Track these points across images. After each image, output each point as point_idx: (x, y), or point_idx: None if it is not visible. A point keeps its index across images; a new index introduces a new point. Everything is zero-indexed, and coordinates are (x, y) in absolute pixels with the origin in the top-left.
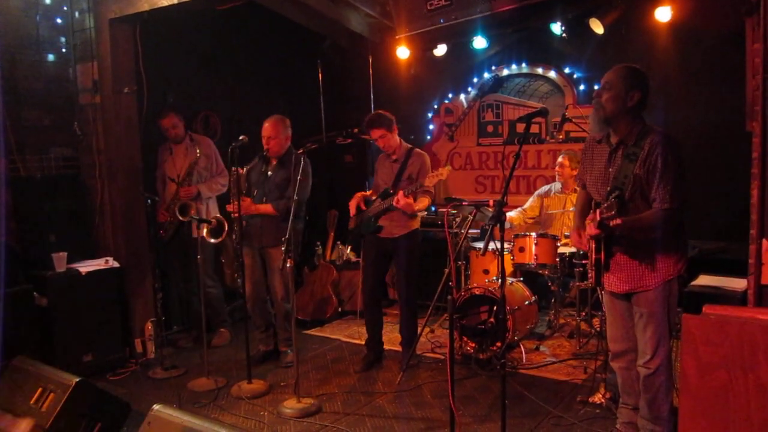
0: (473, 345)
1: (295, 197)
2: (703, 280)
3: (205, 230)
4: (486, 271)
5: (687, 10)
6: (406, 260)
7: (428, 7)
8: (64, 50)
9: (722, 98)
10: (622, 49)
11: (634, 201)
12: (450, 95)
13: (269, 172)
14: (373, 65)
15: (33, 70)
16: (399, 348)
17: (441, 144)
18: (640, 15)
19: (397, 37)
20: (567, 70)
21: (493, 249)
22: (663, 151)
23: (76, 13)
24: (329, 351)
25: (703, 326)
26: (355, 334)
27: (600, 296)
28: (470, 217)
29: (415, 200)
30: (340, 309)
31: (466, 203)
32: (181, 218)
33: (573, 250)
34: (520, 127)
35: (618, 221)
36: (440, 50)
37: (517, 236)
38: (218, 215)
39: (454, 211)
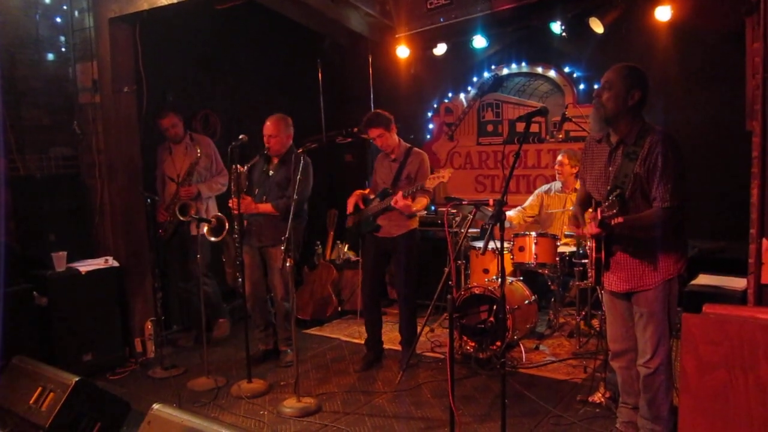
0: (473, 344)
1: (295, 196)
2: (703, 279)
3: (205, 229)
4: (486, 271)
5: (687, 10)
6: (405, 260)
7: (428, 6)
8: (63, 49)
9: (722, 97)
10: (622, 49)
11: (634, 200)
12: (450, 94)
13: (270, 171)
14: (372, 64)
15: (32, 69)
16: (399, 347)
17: (441, 143)
18: (640, 14)
19: (396, 36)
20: (567, 70)
21: (492, 248)
22: (663, 149)
23: (76, 13)
24: (329, 350)
25: (703, 325)
26: (354, 333)
27: (600, 295)
28: (470, 217)
29: (413, 200)
30: (339, 308)
31: (465, 202)
32: (181, 218)
33: (573, 249)
34: (520, 127)
35: (619, 220)
36: (440, 49)
37: (516, 235)
38: (218, 214)
39: (453, 211)
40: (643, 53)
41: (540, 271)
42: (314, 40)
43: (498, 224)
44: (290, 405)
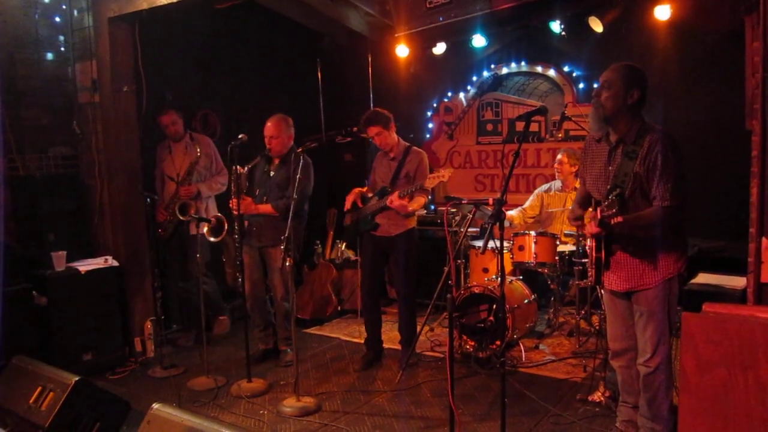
0: (473, 343)
1: (295, 196)
2: (703, 278)
3: (205, 229)
4: (485, 270)
5: (686, 9)
6: (404, 259)
7: (428, 5)
8: (62, 49)
9: (721, 96)
10: (621, 48)
11: (634, 199)
12: (449, 94)
13: (272, 172)
14: (372, 64)
15: (32, 69)
16: (398, 347)
17: (440, 142)
18: (639, 13)
19: (396, 35)
20: (566, 69)
21: (492, 247)
22: (663, 148)
23: (75, 12)
24: (329, 350)
25: (702, 324)
26: (354, 332)
27: (600, 295)
28: (469, 216)
29: (411, 199)
30: (339, 308)
31: (465, 202)
32: (181, 218)
33: (572, 248)
34: (520, 126)
35: (619, 219)
36: (439, 49)
37: (516, 235)
38: (218, 214)
39: (453, 210)
40: (642, 52)
41: (540, 270)
42: (314, 39)
43: (497, 223)
44: (290, 404)
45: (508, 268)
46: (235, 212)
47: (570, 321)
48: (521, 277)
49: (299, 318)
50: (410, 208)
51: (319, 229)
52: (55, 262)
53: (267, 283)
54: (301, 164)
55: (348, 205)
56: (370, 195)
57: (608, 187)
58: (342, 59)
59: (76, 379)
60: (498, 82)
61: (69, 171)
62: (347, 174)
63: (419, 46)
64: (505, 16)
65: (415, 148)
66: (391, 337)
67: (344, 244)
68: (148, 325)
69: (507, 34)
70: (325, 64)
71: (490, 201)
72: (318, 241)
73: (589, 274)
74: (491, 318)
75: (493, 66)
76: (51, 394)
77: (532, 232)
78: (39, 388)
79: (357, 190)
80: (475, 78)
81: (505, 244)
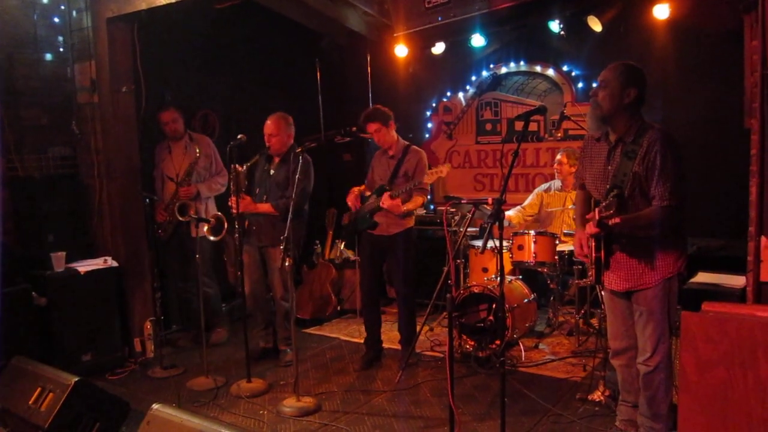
0: (472, 343)
1: (293, 196)
2: (702, 277)
3: (206, 228)
4: (485, 270)
5: (685, 8)
6: (403, 258)
7: (426, 5)
8: (61, 49)
9: (720, 95)
10: (620, 47)
11: (633, 199)
12: (448, 93)
13: (271, 171)
14: (371, 63)
15: (31, 69)
16: (398, 346)
17: (439, 142)
18: (638, 12)
19: (395, 35)
20: (565, 68)
21: (491, 247)
22: (662, 148)
23: (74, 12)
24: (328, 350)
25: (702, 323)
26: (354, 332)
27: (599, 294)
28: (469, 216)
29: (410, 197)
30: (339, 307)
31: (464, 201)
32: (180, 218)
33: (572, 247)
34: (519, 125)
35: (617, 220)
36: (438, 48)
37: (515, 234)
38: (218, 213)
39: (452, 210)
40: (641, 51)
41: (539, 269)
42: (313, 39)
43: (497, 223)
44: (290, 404)
45: (508, 267)
46: (234, 211)
47: (569, 320)
48: (521, 277)
49: (299, 318)
50: (407, 208)
51: (319, 228)
52: (55, 262)
53: (267, 283)
54: (300, 163)
55: (352, 207)
56: (368, 194)
57: (607, 186)
58: (341, 59)
59: (76, 379)
60: (497, 81)
61: (68, 171)
62: (346, 174)
63: (418, 45)
64: (504, 15)
65: (414, 147)
66: (390, 336)
67: (343, 243)
68: (148, 325)
69: (506, 34)
70: (324, 64)
71: (490, 200)
72: (317, 241)
73: (589, 273)
74: (491, 317)
75: (492, 65)
76: (51, 394)
77: (532, 232)
78: (38, 389)
79: (356, 189)
80: (474, 77)
81: (505, 243)
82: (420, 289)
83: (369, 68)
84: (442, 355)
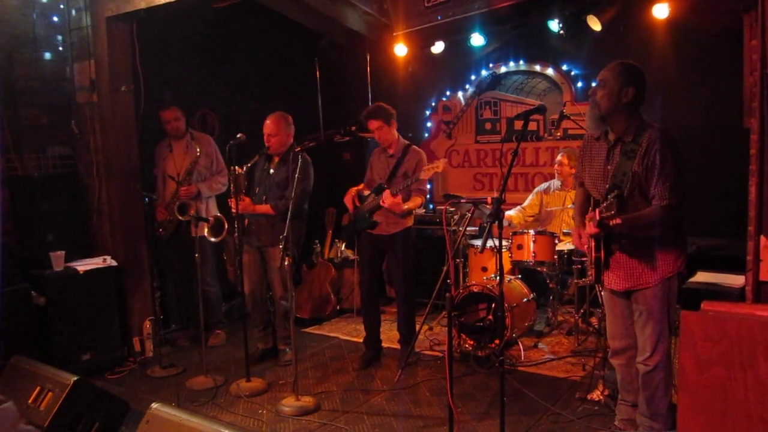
0: (472, 342)
1: (293, 196)
2: (701, 276)
3: (206, 229)
4: (484, 269)
5: (684, 7)
6: (402, 257)
7: (426, 4)
8: (60, 48)
9: (720, 95)
10: (619, 46)
11: (633, 198)
12: (448, 93)
13: (271, 170)
14: (370, 63)
15: (30, 68)
16: (397, 346)
17: (439, 141)
18: (637, 12)
19: (394, 34)
20: (565, 68)
21: (491, 246)
22: (661, 147)
23: (73, 12)
24: (328, 349)
25: (701, 323)
26: (353, 332)
27: (599, 293)
28: (468, 215)
29: (409, 197)
30: (338, 307)
31: (464, 200)
32: (180, 218)
33: (571, 247)
34: (518, 125)
35: (618, 221)
36: (438, 47)
37: (515, 234)
38: (217, 213)
39: (452, 209)
40: (640, 51)
41: (538, 269)
42: (312, 38)
43: (496, 222)
44: (289, 404)
45: (507, 266)
46: (234, 212)
47: (569, 320)
48: (520, 276)
49: (298, 317)
50: (406, 207)
51: (318, 228)
52: (54, 262)
53: (267, 283)
54: (300, 163)
55: (351, 208)
56: (366, 193)
57: (607, 186)
58: (340, 58)
59: (75, 378)
60: (496, 80)
61: (67, 171)
62: (346, 173)
63: (417, 45)
64: (504, 14)
65: (415, 147)
66: (390, 336)
67: (343, 243)
68: (147, 324)
69: (505, 33)
70: (324, 64)
71: (489, 200)
72: (317, 241)
73: (589, 273)
74: (490, 317)
75: (491, 65)
76: (50, 394)
77: (531, 231)
78: (38, 388)
79: (353, 189)
80: (473, 77)
81: (504, 242)
82: (419, 288)
83: (368, 67)
84: (441, 355)
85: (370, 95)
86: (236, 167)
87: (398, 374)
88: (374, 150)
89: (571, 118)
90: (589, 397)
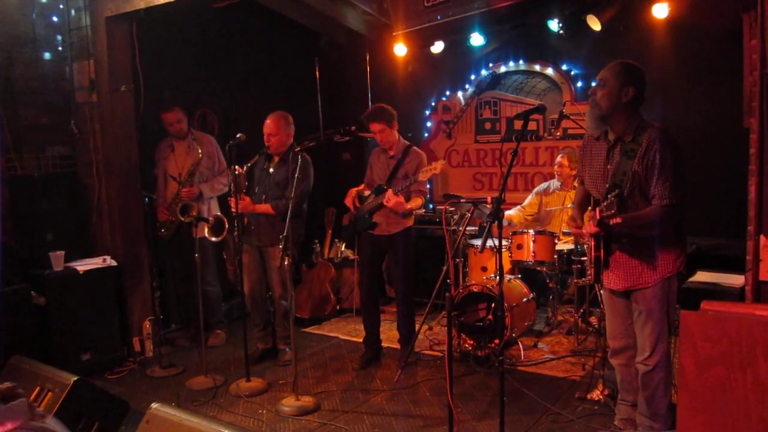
0: (471, 342)
1: (293, 196)
2: (701, 276)
3: (206, 229)
4: (484, 269)
5: (684, 7)
6: (402, 257)
7: (425, 4)
8: (60, 48)
9: (720, 95)
10: (619, 46)
11: (633, 198)
12: (447, 92)
13: (271, 169)
14: (370, 62)
15: (29, 68)
16: (397, 346)
17: (438, 141)
18: (637, 12)
19: (394, 34)
20: (564, 67)
21: (490, 246)
22: (661, 146)
23: (73, 11)
24: (327, 349)
25: (701, 322)
26: (353, 331)
27: (598, 293)
28: (468, 215)
29: (409, 198)
30: (338, 307)
31: (464, 200)
32: (182, 219)
33: (571, 247)
34: (518, 124)
35: (618, 220)
36: (437, 47)
37: (515, 233)
38: (217, 213)
39: (452, 209)
40: (640, 51)
41: (538, 268)
42: (312, 38)
43: (496, 222)
44: (289, 403)
45: (507, 266)
46: (234, 211)
47: (569, 319)
48: (520, 276)
49: (298, 317)
50: (408, 207)
51: (318, 228)
52: (54, 261)
53: (266, 282)
54: (300, 163)
55: (352, 208)
56: (366, 193)
57: (607, 186)
58: (340, 58)
59: (75, 378)
60: (496, 80)
61: (67, 170)
62: (345, 173)
63: (417, 44)
64: (503, 14)
65: (415, 148)
66: (389, 336)
67: (343, 243)
68: (147, 324)
69: (505, 33)
70: (323, 63)
71: (489, 199)
72: (317, 240)
73: (588, 272)
74: (490, 316)
75: (491, 64)
76: (50, 393)
77: (531, 231)
78: (37, 388)
79: (354, 190)
80: (473, 77)
81: (504, 242)
82: (419, 288)
83: (368, 67)
84: (441, 354)
85: (369, 95)
86: (237, 167)
87: (398, 374)
88: (374, 150)
89: (571, 117)
90: (588, 396)
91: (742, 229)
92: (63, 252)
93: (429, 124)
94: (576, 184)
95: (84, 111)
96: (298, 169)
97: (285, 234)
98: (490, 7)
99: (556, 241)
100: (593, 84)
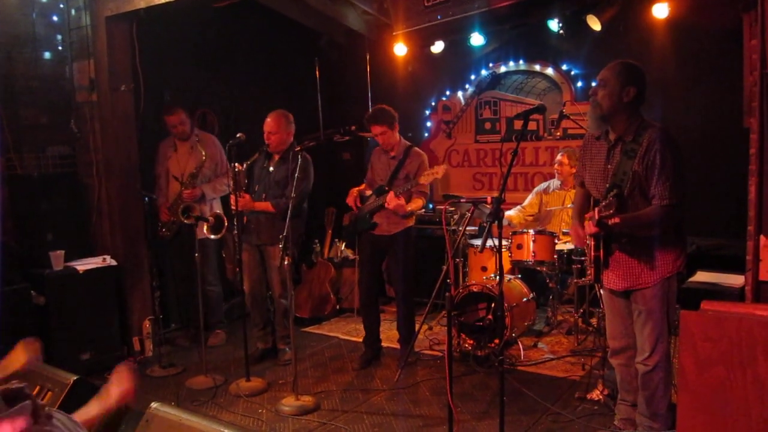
0: (471, 342)
1: (293, 195)
2: (701, 276)
3: (205, 227)
4: (484, 268)
5: (684, 7)
6: (402, 257)
7: (426, 4)
8: (60, 48)
9: (720, 95)
10: (619, 46)
11: (633, 198)
12: (447, 92)
13: (271, 168)
14: (370, 62)
15: (29, 68)
16: (397, 345)
17: (438, 141)
18: (637, 12)
19: (394, 33)
20: (564, 67)
21: (490, 246)
22: (661, 146)
23: (73, 11)
24: (327, 348)
25: (701, 322)
26: (353, 331)
27: (598, 293)
28: (468, 214)
29: (410, 199)
30: (338, 306)
31: (463, 200)
32: (185, 221)
33: (571, 246)
34: (518, 124)
35: (616, 220)
36: (437, 47)
37: (515, 233)
38: (217, 212)
39: (451, 208)
40: (640, 51)
41: (538, 268)
42: (312, 38)
43: (496, 222)
44: (289, 403)
45: (507, 266)
46: (234, 209)
47: (568, 319)
48: (520, 276)
49: (298, 317)
50: (408, 209)
51: (318, 227)
52: (54, 261)
53: (266, 282)
54: (300, 162)
55: (354, 208)
56: (368, 193)
57: (607, 185)
58: (340, 58)
59: (75, 378)
60: (496, 80)
61: (67, 170)
62: (345, 173)
63: (417, 44)
64: (503, 14)
65: (416, 148)
66: (389, 335)
67: (343, 243)
68: (147, 324)
69: (505, 33)
70: (323, 63)
71: (489, 199)
72: (316, 240)
73: (588, 272)
74: (490, 316)
75: (491, 64)
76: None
77: (531, 231)
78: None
79: (355, 190)
80: (473, 76)
81: (504, 242)
82: (419, 287)
83: (368, 67)
84: (441, 354)
85: (369, 95)
86: (236, 164)
87: (398, 374)
88: (375, 150)
89: (571, 117)
90: (588, 396)
91: (742, 229)
92: (63, 251)
93: (429, 124)
94: (575, 185)
95: (84, 111)
96: (298, 169)
97: (285, 233)
98: (490, 6)
99: (556, 241)
100: (593, 84)
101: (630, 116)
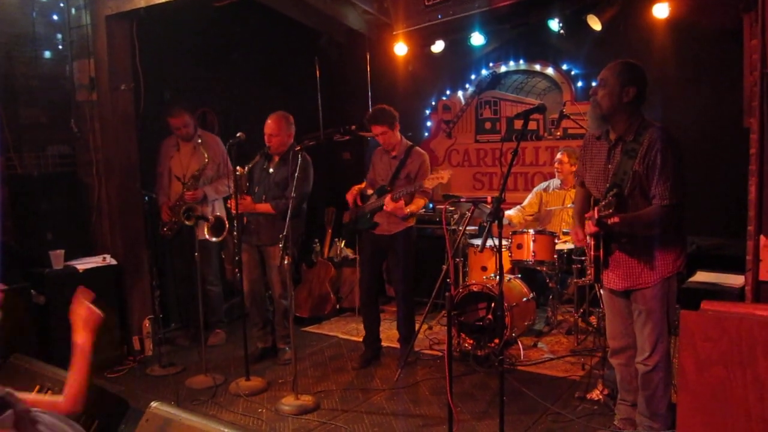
0: (471, 342)
1: (293, 195)
2: (701, 276)
3: (206, 229)
4: (484, 268)
5: (685, 7)
6: (403, 257)
7: (426, 3)
8: (60, 47)
9: (720, 95)
10: (619, 46)
11: (633, 198)
12: (447, 92)
13: (271, 169)
14: (370, 62)
15: (29, 67)
16: (397, 345)
17: (439, 141)
18: (637, 11)
19: (394, 33)
20: (565, 67)
21: (490, 246)
22: (662, 146)
23: (73, 10)
24: (327, 348)
25: (701, 322)
26: (353, 331)
27: (598, 293)
28: (468, 214)
29: (412, 199)
30: (338, 306)
31: (464, 200)
32: (186, 222)
33: (571, 246)
34: (518, 124)
35: (616, 219)
36: (438, 47)
37: (515, 233)
38: (218, 214)
39: (452, 208)
40: (640, 50)
41: (538, 268)
42: (312, 37)
43: (496, 221)
44: (288, 403)
45: (507, 266)
46: (234, 211)
47: (568, 319)
48: (520, 276)
49: (297, 316)
50: (409, 210)
51: (318, 227)
52: (53, 260)
53: (266, 281)
54: (300, 162)
55: (351, 204)
56: (369, 192)
57: (607, 185)
58: (340, 57)
59: None
60: (496, 80)
61: (67, 170)
62: (346, 172)
63: (417, 44)
64: (504, 13)
65: (417, 148)
66: (389, 335)
67: (343, 242)
68: (147, 323)
69: (505, 32)
70: (323, 63)
71: (489, 199)
72: (316, 240)
73: (588, 272)
74: (490, 316)
75: (491, 64)
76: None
77: (531, 230)
78: (37, 387)
79: (356, 187)
80: (473, 76)
81: (504, 242)
82: (419, 287)
83: (368, 66)
84: (440, 354)
85: (369, 94)
86: (238, 167)
87: (398, 373)
88: (376, 149)
89: (571, 117)
90: (588, 396)
91: (742, 229)
92: (63, 251)
93: (429, 123)
94: (575, 185)
95: (84, 110)
96: (298, 169)
97: (285, 233)
98: (490, 6)
99: (556, 240)
100: (593, 84)
101: (630, 116)
